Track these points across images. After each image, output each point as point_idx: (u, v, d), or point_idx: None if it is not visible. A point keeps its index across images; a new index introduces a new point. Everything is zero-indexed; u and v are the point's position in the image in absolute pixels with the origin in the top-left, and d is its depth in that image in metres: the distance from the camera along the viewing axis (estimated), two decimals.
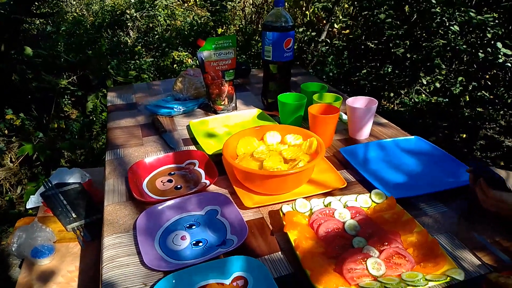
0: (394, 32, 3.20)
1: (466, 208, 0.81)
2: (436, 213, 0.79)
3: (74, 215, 1.41)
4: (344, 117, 1.20)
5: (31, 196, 1.59)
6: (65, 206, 1.46)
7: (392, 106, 3.55)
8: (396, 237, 0.68)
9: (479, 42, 3.08)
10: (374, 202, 0.79)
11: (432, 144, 1.01)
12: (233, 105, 1.29)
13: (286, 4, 4.29)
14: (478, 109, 3.33)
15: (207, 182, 0.89)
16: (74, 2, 4.59)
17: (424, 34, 3.25)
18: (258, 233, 0.75)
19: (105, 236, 0.75)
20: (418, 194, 0.83)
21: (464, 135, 2.99)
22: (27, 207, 1.52)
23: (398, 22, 3.21)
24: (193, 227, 0.76)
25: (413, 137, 1.06)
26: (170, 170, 0.95)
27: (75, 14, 4.35)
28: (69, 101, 2.90)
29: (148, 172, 0.94)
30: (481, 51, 2.98)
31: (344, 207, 0.77)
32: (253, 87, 1.53)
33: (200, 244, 0.72)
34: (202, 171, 0.94)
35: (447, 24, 3.03)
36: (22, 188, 2.43)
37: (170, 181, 0.91)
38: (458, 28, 2.97)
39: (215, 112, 1.28)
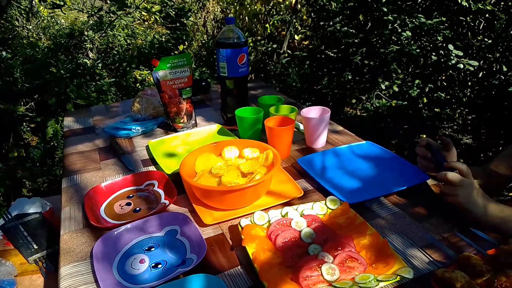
0: (351, 41, 3.31)
1: (424, 202, 0.86)
2: (388, 215, 0.83)
3: (35, 247, 1.36)
4: (301, 126, 1.23)
5: None
6: (26, 238, 1.41)
7: (355, 112, 3.65)
8: (349, 241, 0.70)
9: (431, 45, 3.23)
10: (330, 208, 0.82)
11: (383, 148, 1.06)
12: (193, 122, 1.30)
13: (246, 18, 4.35)
14: (436, 109, 3.48)
15: (166, 202, 0.89)
16: (31, 27, 4.48)
17: (379, 41, 3.39)
18: (218, 249, 0.75)
19: (62, 266, 0.74)
20: (370, 197, 0.86)
21: (424, 135, 3.11)
22: None
23: (354, 31, 3.33)
24: (152, 249, 0.76)
25: (364, 142, 1.10)
26: (128, 193, 0.95)
27: (31, 39, 4.24)
28: (28, 128, 2.81)
29: (105, 197, 0.92)
30: (433, 54, 3.13)
31: (301, 216, 0.79)
32: (214, 102, 1.55)
33: (160, 266, 0.71)
34: (161, 192, 0.94)
35: (399, 31, 3.17)
36: None
37: (128, 204, 0.90)
38: (410, 34, 3.12)
39: (175, 130, 1.28)
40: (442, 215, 0.81)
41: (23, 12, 4.43)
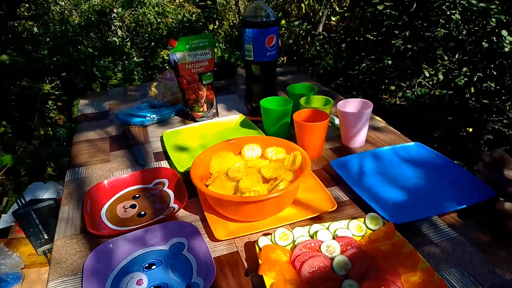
0: (393, 23, 3.05)
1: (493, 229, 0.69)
2: (443, 240, 0.67)
3: (46, 237, 1.29)
4: (337, 121, 1.07)
5: (3, 215, 1.47)
6: (37, 226, 1.34)
7: (394, 100, 3.40)
8: (395, 278, 0.55)
9: (482, 31, 2.93)
10: (370, 229, 0.67)
11: (436, 152, 0.88)
12: (214, 111, 1.16)
13: None
14: (484, 101, 3.18)
15: (176, 206, 0.77)
16: (63, 3, 4.45)
17: (424, 24, 3.10)
18: (230, 272, 0.62)
19: (50, 280, 0.63)
20: (421, 217, 0.70)
21: (471, 129, 2.84)
22: None
23: (397, 13, 3.06)
24: (153, 267, 0.64)
25: (412, 143, 0.93)
26: (134, 193, 0.83)
27: (63, 15, 4.21)
28: (55, 106, 2.77)
29: (108, 197, 0.81)
30: (485, 40, 2.83)
31: (333, 238, 0.64)
32: (239, 89, 1.40)
33: None
34: (171, 193, 0.82)
35: (448, 13, 2.88)
36: (8, 200, 2.32)
37: (133, 206, 0.79)
38: (459, 17, 2.82)
39: (194, 120, 1.15)
40: None
41: None
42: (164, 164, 0.94)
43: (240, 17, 4.37)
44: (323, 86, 1.39)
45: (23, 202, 1.40)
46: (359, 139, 0.96)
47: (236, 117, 1.11)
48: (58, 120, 2.90)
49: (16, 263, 1.12)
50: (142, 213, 0.77)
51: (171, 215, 0.74)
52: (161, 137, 1.06)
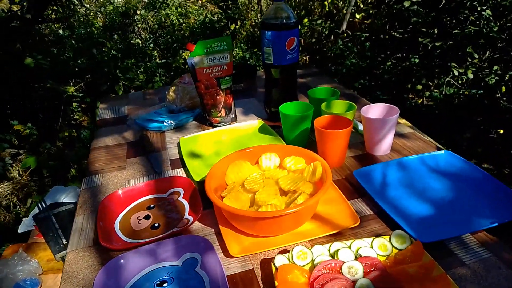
0: (420, 20, 2.93)
1: None
2: (476, 261, 0.61)
3: (64, 242, 1.29)
4: (360, 127, 1.02)
5: (23, 219, 1.49)
6: (57, 231, 1.35)
7: (421, 100, 3.29)
8: None
9: None
10: (396, 248, 0.62)
11: (468, 162, 0.82)
12: (232, 115, 1.13)
13: None
14: None
15: (190, 218, 0.74)
16: (88, 5, 4.53)
17: (453, 21, 2.97)
18: None
19: None
20: (452, 235, 0.65)
21: (502, 131, 2.71)
22: (19, 231, 1.43)
23: (425, 10, 2.94)
24: (165, 284, 0.61)
25: (443, 151, 0.87)
26: (149, 203, 0.81)
27: (89, 17, 4.29)
28: (79, 108, 2.82)
29: (122, 207, 0.79)
30: None
31: (356, 258, 0.60)
32: (258, 92, 1.37)
33: None
34: (186, 203, 0.79)
35: (478, 9, 2.75)
36: (32, 201, 2.37)
37: (147, 217, 0.77)
38: (490, 13, 2.69)
39: (212, 125, 1.12)
40: None
41: None
42: (181, 172, 0.92)
43: (263, 17, 4.33)
44: (346, 89, 1.33)
45: (44, 206, 1.41)
46: (384, 147, 0.91)
47: (255, 123, 1.08)
48: (83, 122, 2.95)
49: (34, 269, 1.13)
50: (156, 224, 0.74)
51: (185, 228, 0.71)
52: (178, 143, 1.04)
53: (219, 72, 1.05)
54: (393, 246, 0.62)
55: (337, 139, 0.83)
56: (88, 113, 2.88)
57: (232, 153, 0.79)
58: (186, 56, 3.14)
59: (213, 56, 1.03)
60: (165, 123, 1.11)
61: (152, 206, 0.80)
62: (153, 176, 0.91)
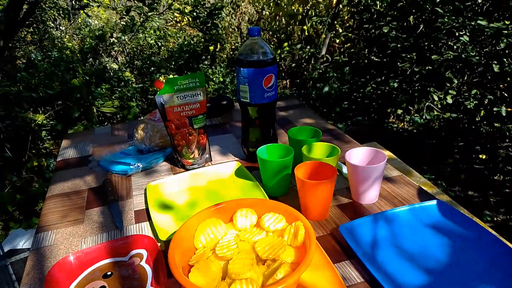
0: (399, 45, 2.94)
1: None
2: None
3: None
4: (345, 169, 0.94)
5: None
6: (13, 283, 1.21)
7: (402, 124, 3.27)
8: None
9: (492, 52, 2.81)
10: None
11: (463, 215, 0.75)
12: (207, 156, 1.04)
13: (283, 19, 4.05)
14: (496, 124, 3.04)
15: None
16: (63, 28, 4.42)
17: (432, 46, 2.99)
18: None
19: None
20: None
21: (484, 156, 2.70)
22: None
23: (403, 35, 2.96)
24: None
25: (434, 202, 0.79)
26: (106, 269, 0.70)
27: (64, 40, 4.17)
28: (49, 137, 2.67)
29: (74, 276, 0.68)
30: (495, 62, 2.71)
31: None
32: (236, 128, 1.28)
33: None
34: (149, 269, 0.69)
35: (456, 35, 2.77)
36: None
37: None
38: (468, 38, 2.71)
39: (184, 167, 1.03)
40: None
41: (61, 12, 4.38)
42: (146, 226, 0.81)
43: (243, 40, 4.30)
44: (328, 124, 1.26)
45: (1, 254, 1.27)
46: (371, 196, 0.83)
47: (232, 166, 0.99)
48: (53, 150, 2.80)
49: None
50: None
51: None
52: (145, 189, 0.94)
53: (191, 111, 0.96)
54: None
55: (320, 190, 0.75)
56: (58, 140, 2.74)
57: (202, 210, 0.69)
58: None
59: (185, 93, 0.95)
60: (131, 166, 1.00)
61: (109, 273, 0.69)
62: (113, 232, 0.80)
